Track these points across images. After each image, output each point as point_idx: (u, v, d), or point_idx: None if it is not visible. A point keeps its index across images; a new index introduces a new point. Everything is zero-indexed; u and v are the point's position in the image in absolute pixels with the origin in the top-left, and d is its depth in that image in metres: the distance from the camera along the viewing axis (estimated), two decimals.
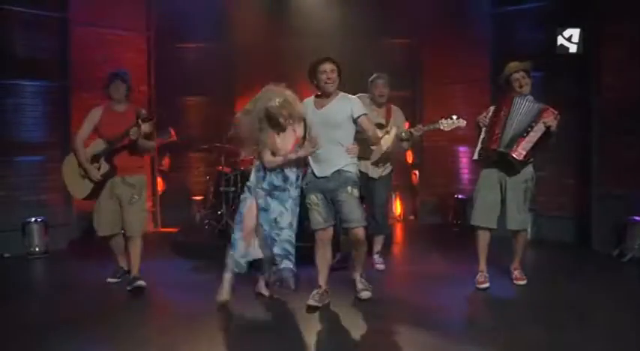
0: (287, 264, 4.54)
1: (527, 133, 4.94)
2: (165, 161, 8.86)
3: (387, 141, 5.69)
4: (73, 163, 5.32)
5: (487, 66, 7.65)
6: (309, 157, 4.68)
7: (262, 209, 4.62)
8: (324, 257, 4.77)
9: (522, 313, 4.64)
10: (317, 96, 4.75)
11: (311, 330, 4.26)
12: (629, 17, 6.23)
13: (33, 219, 6.79)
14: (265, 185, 4.65)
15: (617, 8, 6.33)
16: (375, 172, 5.80)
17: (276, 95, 4.54)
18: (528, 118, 4.98)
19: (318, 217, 4.70)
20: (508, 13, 7.42)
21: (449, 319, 4.46)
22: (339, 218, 4.74)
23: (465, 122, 5.55)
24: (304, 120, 4.68)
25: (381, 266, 5.95)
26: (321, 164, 4.67)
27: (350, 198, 4.60)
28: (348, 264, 5.24)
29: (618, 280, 5.54)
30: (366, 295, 4.83)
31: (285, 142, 4.63)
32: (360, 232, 4.66)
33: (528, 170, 5.12)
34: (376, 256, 5.98)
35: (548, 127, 4.92)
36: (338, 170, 4.62)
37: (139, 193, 5.33)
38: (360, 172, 5.54)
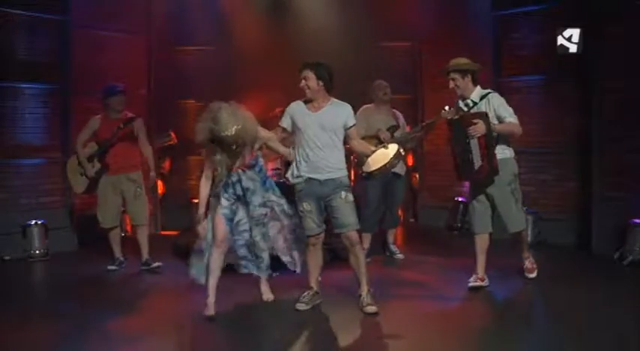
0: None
1: (470, 151, 4.90)
2: (166, 164, 8.86)
3: (385, 156, 5.43)
4: (74, 163, 6.17)
5: (488, 69, 7.64)
6: (300, 160, 4.66)
7: (228, 219, 4.68)
8: (315, 259, 4.78)
9: (523, 316, 4.62)
10: (307, 101, 4.70)
11: (307, 331, 4.26)
12: (630, 17, 6.23)
13: (33, 222, 6.78)
14: (230, 195, 4.69)
15: (619, 8, 6.33)
16: (400, 170, 6.20)
17: (232, 122, 4.32)
18: (463, 136, 4.93)
19: (312, 224, 4.68)
20: (509, 16, 7.41)
21: (449, 322, 4.45)
22: (333, 222, 4.69)
23: None
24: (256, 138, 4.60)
25: (400, 256, 6.46)
26: (316, 167, 4.61)
27: (343, 203, 4.59)
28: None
29: (619, 284, 5.52)
30: (371, 309, 4.58)
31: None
32: (354, 235, 4.64)
33: (508, 171, 5.04)
34: (393, 247, 6.61)
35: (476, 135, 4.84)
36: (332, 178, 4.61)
37: (140, 186, 6.16)
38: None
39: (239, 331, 4.33)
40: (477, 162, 4.87)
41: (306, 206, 4.66)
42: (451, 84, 5.07)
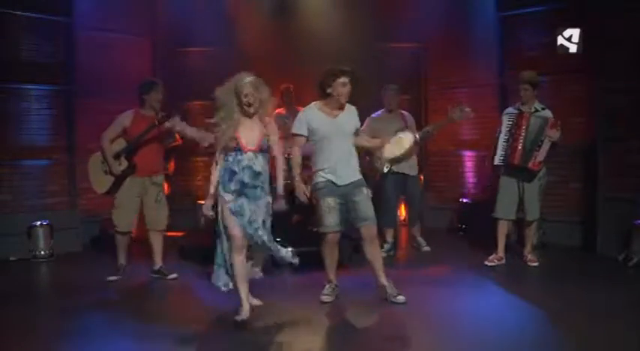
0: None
1: (540, 147, 5.74)
2: (171, 165, 8.87)
3: (400, 145, 6.28)
4: (97, 160, 5.77)
5: (493, 70, 7.65)
6: (323, 165, 4.75)
7: (237, 214, 4.41)
8: (332, 255, 4.94)
9: (528, 318, 4.61)
10: (325, 104, 4.81)
11: (311, 332, 4.27)
12: (632, 18, 6.21)
13: (38, 223, 6.82)
14: (233, 186, 4.41)
15: (619, 8, 6.31)
16: (412, 170, 6.58)
17: (247, 75, 4.54)
18: (539, 134, 5.75)
19: (332, 220, 4.79)
20: (514, 17, 7.40)
21: (450, 322, 4.45)
22: (353, 218, 4.80)
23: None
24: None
25: (427, 248, 6.87)
26: (339, 175, 4.77)
27: (365, 198, 4.79)
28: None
29: (624, 285, 5.50)
30: (401, 299, 4.79)
31: (249, 134, 4.47)
32: (374, 229, 4.83)
33: (543, 169, 5.93)
34: (420, 239, 6.98)
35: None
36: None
37: (162, 190, 5.93)
38: (397, 172, 6.47)
39: (256, 332, 4.33)
40: (540, 158, 5.75)
41: (331, 202, 4.77)
42: (523, 92, 5.89)
